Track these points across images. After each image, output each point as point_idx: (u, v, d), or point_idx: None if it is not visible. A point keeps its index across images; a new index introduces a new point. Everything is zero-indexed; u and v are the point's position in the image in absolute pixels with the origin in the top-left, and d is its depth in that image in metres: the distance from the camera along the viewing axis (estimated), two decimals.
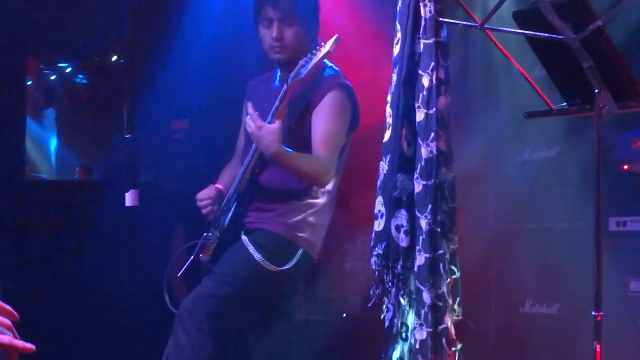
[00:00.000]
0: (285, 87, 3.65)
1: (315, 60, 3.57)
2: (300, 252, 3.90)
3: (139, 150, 3.36)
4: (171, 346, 3.82)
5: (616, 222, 5.49)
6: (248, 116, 3.76)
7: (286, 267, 3.86)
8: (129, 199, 3.34)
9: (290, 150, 3.75)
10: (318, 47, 3.59)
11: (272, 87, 4.06)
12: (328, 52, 3.55)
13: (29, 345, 1.46)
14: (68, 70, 9.08)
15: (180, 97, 8.19)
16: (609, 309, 5.14)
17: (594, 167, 3.11)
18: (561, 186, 5.76)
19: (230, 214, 3.90)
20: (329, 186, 3.97)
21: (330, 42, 3.55)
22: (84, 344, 5.58)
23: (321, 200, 3.97)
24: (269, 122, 3.69)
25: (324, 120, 3.86)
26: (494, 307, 6.23)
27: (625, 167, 5.40)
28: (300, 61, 3.63)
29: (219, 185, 4.09)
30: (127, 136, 3.36)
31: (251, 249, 3.83)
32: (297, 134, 3.85)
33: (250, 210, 3.92)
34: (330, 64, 3.97)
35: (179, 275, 4.03)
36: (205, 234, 3.99)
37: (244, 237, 3.86)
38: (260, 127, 3.64)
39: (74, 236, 5.75)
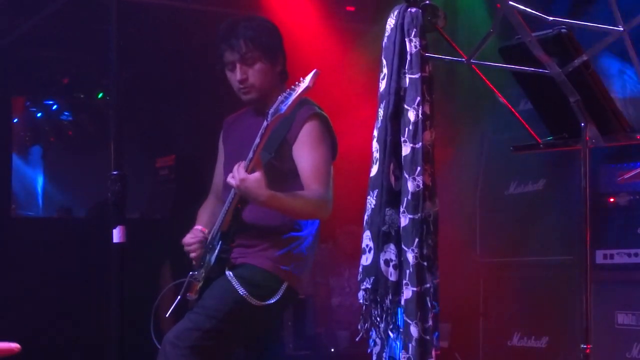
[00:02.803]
0: (265, 123, 3.63)
1: (295, 96, 3.54)
2: (284, 286, 3.87)
3: (125, 186, 3.33)
4: None
5: (603, 255, 5.49)
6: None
7: (270, 301, 3.83)
8: (117, 235, 3.30)
9: (280, 191, 3.73)
10: (297, 83, 3.57)
11: (247, 123, 4.04)
12: (307, 88, 3.52)
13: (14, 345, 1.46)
14: (54, 107, 9.07)
15: (166, 133, 8.22)
16: (596, 342, 5.14)
17: (580, 200, 3.10)
18: (548, 219, 5.78)
19: (216, 252, 3.87)
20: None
21: (308, 78, 3.53)
22: None
23: (304, 232, 3.96)
24: (250, 159, 3.67)
25: (308, 152, 3.86)
26: (482, 340, 6.21)
27: (611, 200, 5.42)
28: (279, 97, 3.60)
29: (199, 227, 4.07)
30: (114, 173, 3.33)
31: (235, 283, 3.81)
32: (278, 168, 3.84)
33: (236, 245, 3.89)
34: (309, 100, 3.97)
35: (167, 315, 4.01)
36: (191, 273, 3.97)
37: (228, 272, 3.84)
38: (244, 180, 3.61)
39: (61, 273, 5.71)
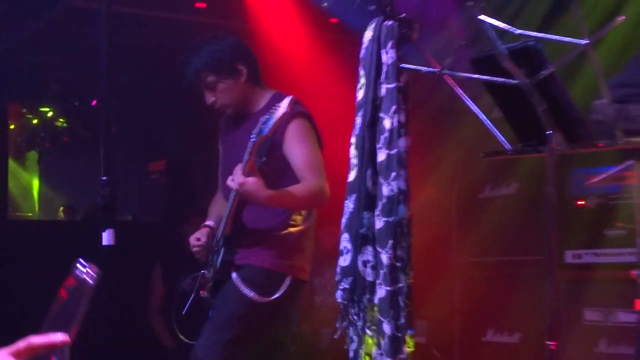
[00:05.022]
0: (250, 143, 3.67)
1: (275, 120, 3.59)
2: (288, 279, 3.91)
3: (115, 191, 3.33)
4: None
5: (572, 255, 5.52)
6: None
7: (276, 295, 3.88)
8: (106, 238, 3.31)
9: (278, 189, 3.78)
10: (276, 106, 3.62)
11: (237, 129, 4.08)
12: (285, 113, 3.59)
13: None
14: (49, 114, 9.05)
15: (157, 139, 8.22)
16: (565, 337, 5.17)
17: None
18: (520, 221, 5.80)
19: (221, 256, 3.93)
20: (305, 212, 4.01)
21: (285, 103, 3.59)
22: None
23: (302, 226, 3.99)
24: (246, 161, 3.68)
25: (297, 148, 3.89)
26: (458, 336, 6.24)
27: (581, 202, 5.45)
28: (261, 118, 3.66)
29: (209, 222, 4.11)
30: (104, 178, 3.33)
31: (241, 286, 3.87)
32: (271, 169, 3.88)
33: (238, 247, 3.94)
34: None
35: (184, 312, 4.07)
36: (202, 271, 4.03)
37: (234, 275, 3.89)
38: (242, 184, 3.65)
39: (55, 274, 5.68)
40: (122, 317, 3.48)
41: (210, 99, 4.02)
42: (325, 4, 6.55)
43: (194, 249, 4.01)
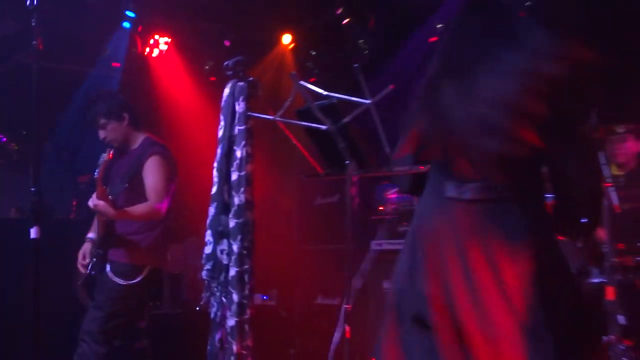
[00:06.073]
0: (94, 177, 3.73)
1: (101, 165, 3.73)
2: (147, 268, 3.90)
3: (41, 198, 3.24)
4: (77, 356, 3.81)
5: (376, 244, 5.65)
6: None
7: (137, 280, 3.86)
8: (34, 232, 3.20)
9: (127, 206, 3.82)
10: (101, 156, 3.75)
11: (122, 158, 4.07)
12: (108, 158, 3.75)
13: None
14: (3, 139, 8.71)
15: (85, 157, 7.98)
16: (371, 302, 5.29)
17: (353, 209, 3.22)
18: (339, 220, 5.92)
19: (97, 250, 3.93)
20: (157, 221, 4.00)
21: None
22: None
23: (158, 230, 3.97)
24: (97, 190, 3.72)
25: (149, 177, 3.92)
26: (299, 300, 6.31)
27: (381, 208, 5.60)
28: (99, 161, 3.79)
29: (91, 235, 4.06)
30: (32, 189, 3.24)
31: (113, 277, 3.87)
32: (132, 190, 3.90)
33: (109, 245, 3.91)
34: (157, 142, 4.06)
35: (80, 283, 4.03)
36: (93, 258, 3.97)
37: (107, 268, 3.89)
38: (95, 205, 3.66)
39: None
40: (51, 290, 3.35)
41: (102, 135, 4.01)
42: (207, 67, 6.54)
43: (79, 265, 4.00)
